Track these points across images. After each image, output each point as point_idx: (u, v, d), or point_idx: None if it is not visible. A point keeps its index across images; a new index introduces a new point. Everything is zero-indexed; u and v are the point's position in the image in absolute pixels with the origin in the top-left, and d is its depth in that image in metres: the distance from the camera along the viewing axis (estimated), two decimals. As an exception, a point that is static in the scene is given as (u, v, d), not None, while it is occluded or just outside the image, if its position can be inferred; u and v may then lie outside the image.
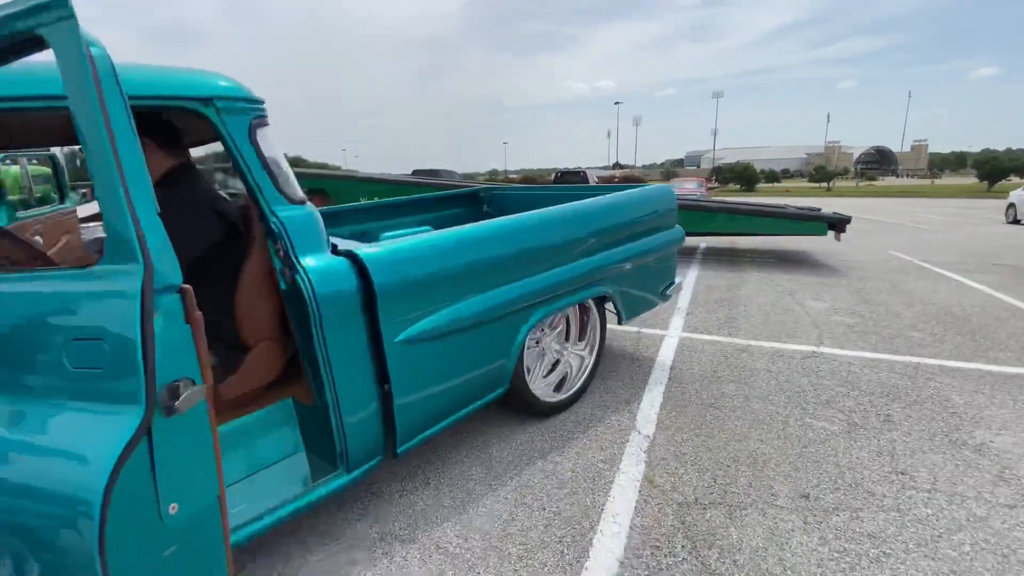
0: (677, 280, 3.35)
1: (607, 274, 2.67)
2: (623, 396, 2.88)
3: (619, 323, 2.96)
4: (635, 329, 4.07)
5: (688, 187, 18.86)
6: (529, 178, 44.92)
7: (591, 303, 2.78)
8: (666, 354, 3.51)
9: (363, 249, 1.75)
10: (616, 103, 75.51)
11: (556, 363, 2.85)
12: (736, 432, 2.47)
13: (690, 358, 3.43)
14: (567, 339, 2.86)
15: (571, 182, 22.25)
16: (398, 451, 1.90)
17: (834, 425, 2.52)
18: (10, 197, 11.25)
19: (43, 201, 11.00)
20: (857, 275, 6.01)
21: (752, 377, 3.10)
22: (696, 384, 3.02)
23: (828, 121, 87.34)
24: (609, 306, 2.86)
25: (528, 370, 2.65)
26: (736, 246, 8.65)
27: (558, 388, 2.77)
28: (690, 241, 9.11)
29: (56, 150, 13.09)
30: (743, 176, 41.39)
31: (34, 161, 15.38)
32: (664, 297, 3.23)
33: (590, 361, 2.88)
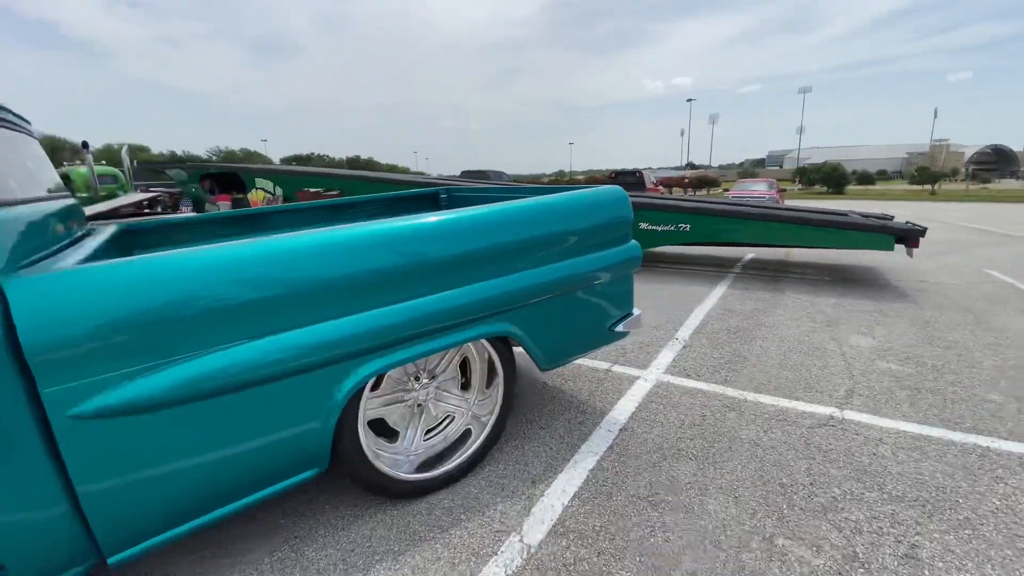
0: (636, 312, 2.56)
1: (510, 306, 1.97)
2: (533, 471, 2.16)
3: (540, 370, 2.24)
4: (605, 365, 3.28)
5: (756, 189, 17.13)
6: (593, 179, 43.89)
7: (487, 345, 2.09)
8: (626, 407, 2.71)
9: (25, 275, 1.21)
10: (689, 100, 71.74)
11: (447, 420, 2.20)
12: (661, 552, 1.69)
13: (655, 415, 2.61)
14: (467, 387, 2.20)
15: (625, 183, 21.12)
16: (108, 561, 1.35)
17: (820, 557, 1.66)
18: (79, 194, 12.02)
19: (107, 199, 11.72)
20: (931, 302, 4.75)
21: (727, 454, 2.25)
22: (644, 459, 2.23)
23: (935, 117, 77.93)
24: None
25: (388, 434, 2.02)
26: (789, 259, 7.41)
27: (442, 457, 2.11)
28: (732, 252, 7.96)
29: (124, 153, 13.96)
30: (831, 177, 37.58)
31: (103, 162, 16.72)
32: (613, 336, 2.46)
33: (489, 421, 2.19)
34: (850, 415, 2.58)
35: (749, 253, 7.89)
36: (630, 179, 22.04)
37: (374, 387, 1.93)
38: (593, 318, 2.35)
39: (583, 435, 2.43)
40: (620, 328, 2.46)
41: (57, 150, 46.98)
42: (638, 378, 3.08)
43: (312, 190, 9.96)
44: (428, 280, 1.74)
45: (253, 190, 10.18)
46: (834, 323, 4.12)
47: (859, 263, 6.95)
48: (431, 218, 1.80)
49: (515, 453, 2.29)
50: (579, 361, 3.35)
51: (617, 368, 3.24)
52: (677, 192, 36.54)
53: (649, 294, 5.21)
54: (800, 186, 42.01)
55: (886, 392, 2.83)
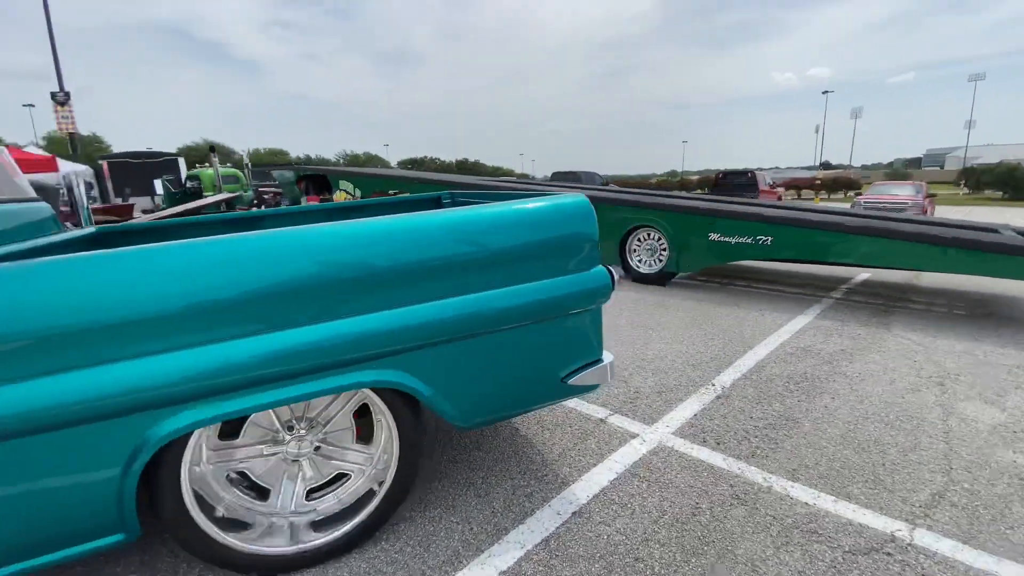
0: (607, 359, 1.96)
1: (398, 349, 1.54)
2: (432, 559, 1.69)
3: (456, 429, 1.78)
4: (602, 413, 2.67)
5: (897, 194, 14.43)
6: (708, 180, 40.98)
7: (372, 395, 1.67)
8: (598, 478, 2.12)
9: None
10: (825, 93, 63.55)
11: (345, 479, 1.82)
12: None
13: (631, 498, 1.99)
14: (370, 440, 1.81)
15: (735, 185, 19.15)
16: None
17: None
18: (206, 193, 13.64)
19: (230, 203, 13.14)
20: (1125, 360, 3.34)
21: (704, 576, 1.59)
22: (582, 566, 1.65)
23: None
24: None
25: (255, 494, 1.70)
26: (916, 283, 5.91)
27: (327, 525, 1.74)
28: (840, 270, 6.49)
29: (245, 156, 15.64)
30: (1007, 179, 30.81)
31: (228, 164, 18.93)
32: (568, 391, 1.89)
33: (382, 488, 1.76)
34: (924, 539, 1.73)
35: (863, 273, 6.46)
36: (740, 180, 19.98)
37: (232, 435, 1.63)
38: (534, 367, 1.82)
39: (522, 514, 1.90)
40: (579, 380, 1.89)
41: (219, 152, 55.70)
42: (635, 436, 2.44)
43: (392, 191, 10.26)
44: (261, 315, 1.38)
45: (337, 191, 10.75)
46: (948, 380, 3.03)
47: (1018, 293, 5.30)
48: (262, 234, 1.43)
49: (426, 527, 1.84)
50: (571, 404, 2.79)
51: (615, 419, 2.62)
52: (807, 196, 32.53)
53: (705, 319, 4.37)
54: (967, 190, 34.94)
55: (999, 506, 1.89)
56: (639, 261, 6.03)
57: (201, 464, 1.60)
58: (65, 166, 17.72)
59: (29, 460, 1.23)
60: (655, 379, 3.12)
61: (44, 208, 2.50)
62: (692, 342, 3.80)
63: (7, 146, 15.17)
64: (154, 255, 1.32)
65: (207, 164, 16.31)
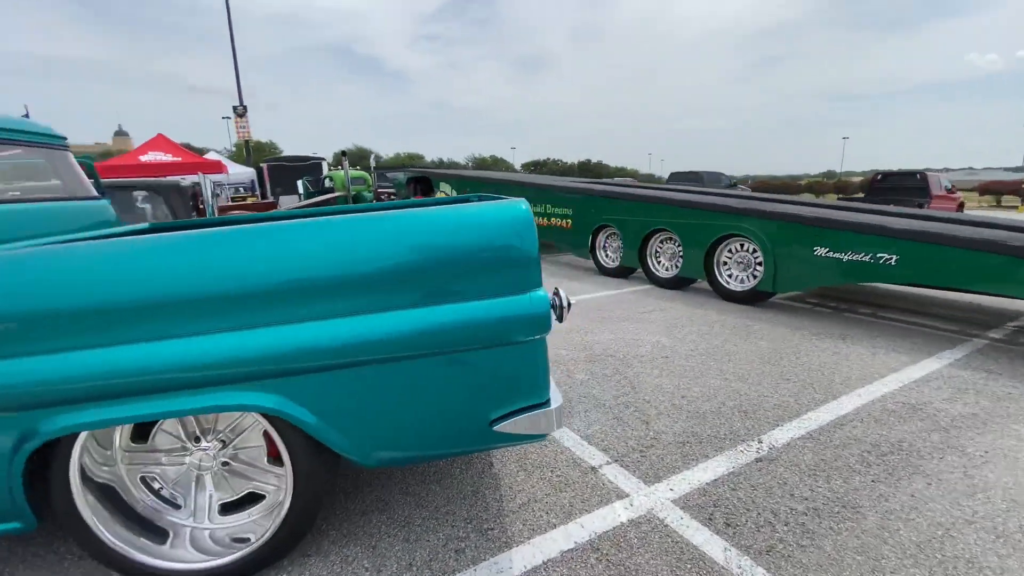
0: (557, 401, 1.58)
1: (273, 371, 1.38)
2: (314, 610, 1.49)
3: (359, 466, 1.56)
4: (598, 460, 2.24)
5: None
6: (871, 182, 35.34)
7: (259, 418, 1.51)
8: (548, 547, 1.73)
9: None
10: (1046, 73, 50.43)
11: (261, 498, 1.71)
12: None
13: (578, 578, 1.59)
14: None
15: (897, 189, 15.91)
16: None
17: None
18: (337, 194, 15.11)
19: (357, 199, 14.58)
20: None
21: None
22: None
23: None
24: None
25: (167, 503, 1.66)
26: None
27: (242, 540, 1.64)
28: (1015, 305, 4.79)
29: (372, 160, 16.99)
30: None
31: (357, 167, 20.72)
32: (494, 438, 1.56)
33: (279, 512, 1.60)
34: None
35: (1053, 307, 4.85)
36: (907, 183, 16.53)
37: (142, 438, 1.61)
38: (448, 406, 1.52)
39: (438, 574, 1.62)
40: (513, 427, 1.54)
41: (364, 157, 62.36)
42: (624, 497, 1.99)
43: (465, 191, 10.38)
44: (111, 328, 1.30)
45: (438, 192, 11.16)
46: None
47: None
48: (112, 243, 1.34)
49: (333, 567, 1.65)
50: (568, 443, 2.40)
51: (611, 471, 2.18)
52: (1009, 203, 26.35)
53: (791, 353, 3.57)
54: None
55: None
56: (728, 276, 5.22)
57: (117, 464, 1.61)
58: (235, 168, 21.04)
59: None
60: (685, 424, 2.57)
61: (103, 205, 2.81)
62: (758, 381, 3.10)
63: (184, 146, 18.43)
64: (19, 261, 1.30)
65: (340, 167, 18.18)
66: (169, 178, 6.72)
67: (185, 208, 6.34)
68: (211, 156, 19.92)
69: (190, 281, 1.31)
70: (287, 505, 1.57)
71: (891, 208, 5.80)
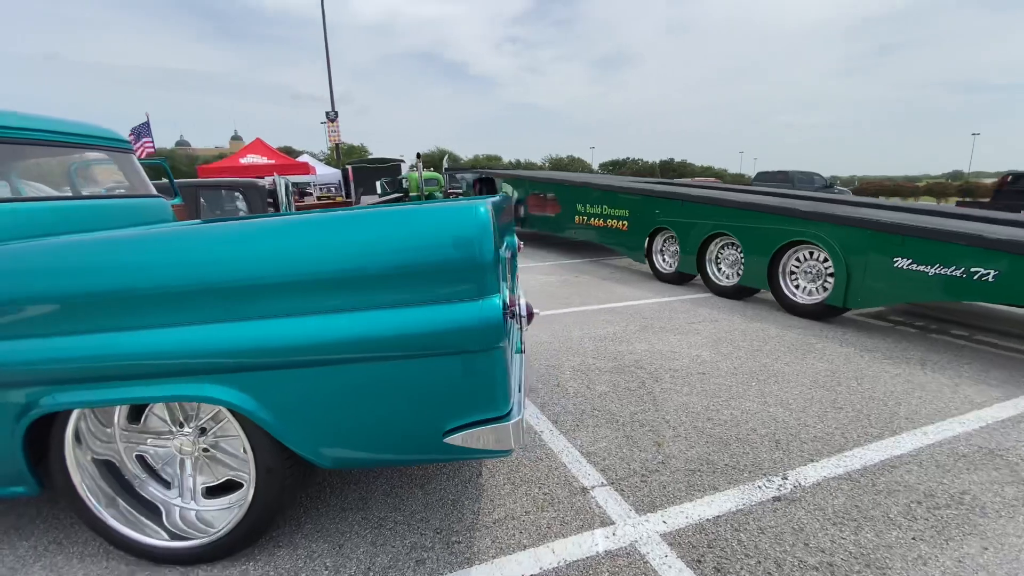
0: (513, 418, 1.48)
1: (229, 365, 1.42)
2: (265, 603, 1.52)
3: (316, 467, 1.56)
4: (592, 481, 2.10)
5: None
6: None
7: (227, 412, 1.56)
8: (511, 570, 1.64)
9: None
10: None
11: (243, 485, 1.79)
12: None
13: (533, 607, 1.48)
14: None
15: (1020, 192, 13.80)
16: None
17: None
18: (412, 194, 15.82)
19: (428, 199, 15.12)
20: None
21: None
22: None
23: None
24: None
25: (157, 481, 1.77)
26: None
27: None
28: None
29: (445, 161, 17.53)
30: None
31: (430, 168, 21.31)
32: (447, 450, 1.49)
33: (244, 504, 1.64)
34: None
35: None
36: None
37: (136, 420, 1.73)
38: (398, 413, 1.47)
39: (393, 583, 1.58)
40: (466, 440, 1.47)
41: (443, 158, 65.02)
42: (608, 525, 1.84)
43: (546, 194, 10.28)
44: (90, 314, 1.40)
45: (501, 193, 11.24)
46: None
47: None
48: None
49: (296, 562, 1.67)
50: (566, 459, 2.27)
51: (602, 494, 2.03)
52: None
53: (852, 378, 3.14)
54: None
55: None
56: (795, 287, 4.72)
57: (116, 441, 1.75)
58: (323, 169, 22.62)
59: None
60: (703, 450, 2.34)
61: (160, 202, 3.09)
62: (803, 408, 2.76)
63: (287, 151, 20.04)
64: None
65: (413, 168, 18.95)
66: (249, 179, 7.34)
67: (262, 204, 6.90)
68: (303, 159, 21.61)
69: (147, 276, 1.38)
70: (250, 498, 1.61)
71: (998, 214, 4.94)
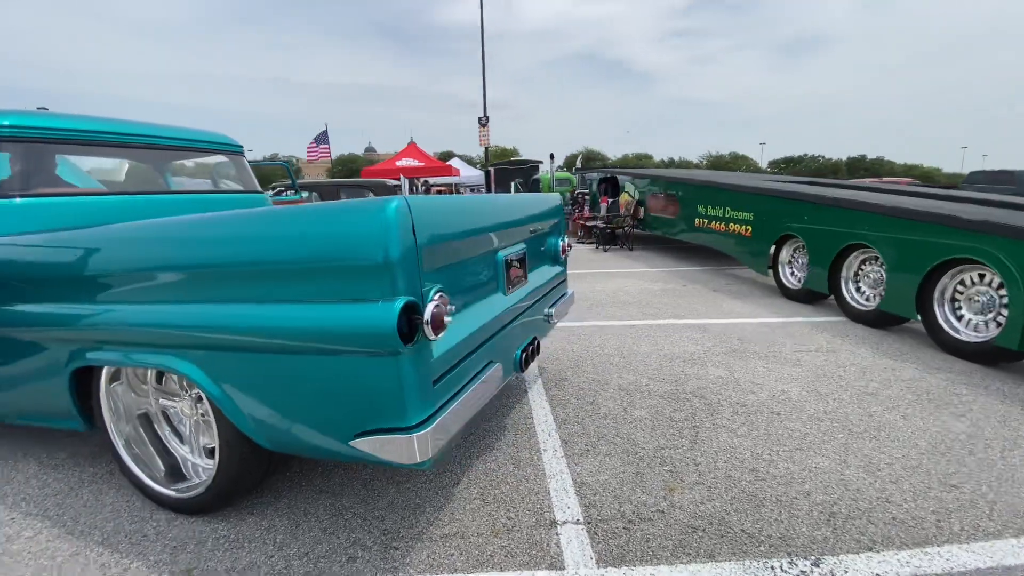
0: (406, 434, 1.38)
1: (183, 342, 1.60)
2: (201, 559, 1.66)
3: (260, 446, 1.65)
4: (570, 515, 1.86)
5: None
6: None
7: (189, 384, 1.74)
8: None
9: None
10: None
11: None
12: None
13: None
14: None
15: None
16: None
17: None
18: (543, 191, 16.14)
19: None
20: None
21: None
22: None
23: None
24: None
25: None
26: None
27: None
28: None
29: (578, 160, 17.59)
30: None
31: (561, 167, 21.55)
32: (351, 453, 1.46)
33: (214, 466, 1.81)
34: None
35: None
36: None
37: (159, 380, 2.04)
38: (311, 410, 1.48)
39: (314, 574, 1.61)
40: (369, 446, 1.42)
41: (591, 159, 64.42)
42: (560, 570, 1.62)
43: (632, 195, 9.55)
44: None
45: (623, 193, 10.73)
46: None
47: None
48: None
49: (253, 531, 1.80)
50: (553, 484, 2.06)
51: (570, 533, 1.79)
52: None
53: (994, 448, 2.30)
54: None
55: None
56: (955, 318, 3.64)
57: (148, 397, 2.08)
58: (469, 171, 24.12)
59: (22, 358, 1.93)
60: (724, 505, 1.92)
61: (259, 197, 3.59)
62: (897, 477, 2.10)
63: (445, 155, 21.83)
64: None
65: (562, 168, 19.17)
66: (379, 179, 8.14)
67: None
68: (453, 162, 23.38)
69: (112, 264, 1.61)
70: (215, 464, 1.78)
71: None
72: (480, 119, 28.01)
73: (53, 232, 2.01)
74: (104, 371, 1.91)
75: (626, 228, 10.05)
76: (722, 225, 6.65)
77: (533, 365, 3.47)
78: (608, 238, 10.27)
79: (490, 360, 1.90)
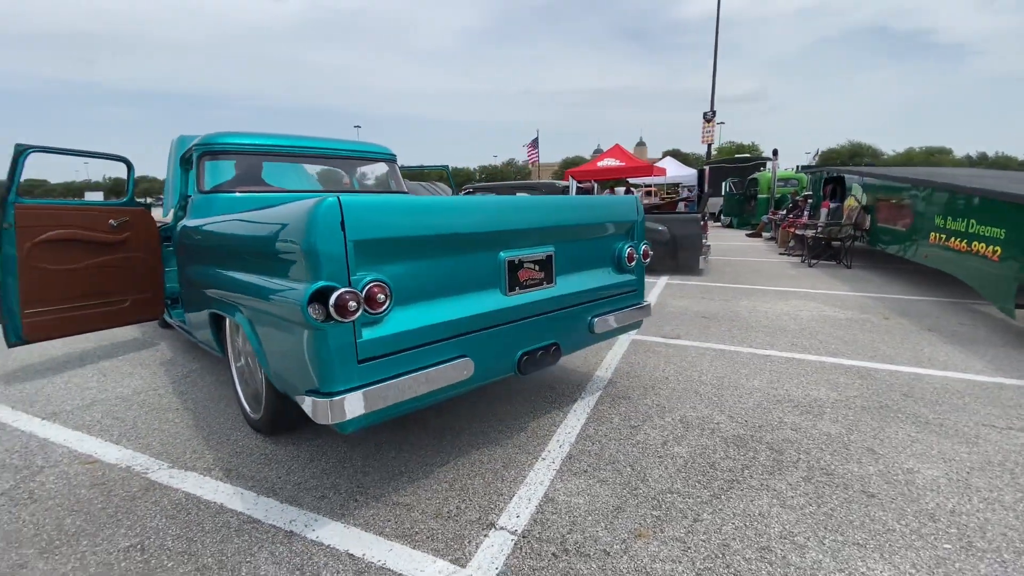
0: (329, 398, 1.61)
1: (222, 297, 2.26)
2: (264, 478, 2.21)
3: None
4: (511, 524, 1.83)
5: None
6: None
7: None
8: (336, 539, 1.75)
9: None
10: None
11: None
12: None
13: None
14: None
15: None
16: None
17: None
18: (761, 196, 14.52)
19: (780, 202, 13.53)
20: None
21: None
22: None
23: None
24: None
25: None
26: None
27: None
28: None
29: (812, 158, 15.14)
30: None
31: (793, 166, 18.69)
32: (297, 405, 1.76)
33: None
34: None
35: None
36: None
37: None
38: (290, 363, 1.86)
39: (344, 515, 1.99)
40: (307, 404, 1.72)
41: (856, 155, 52.53)
42: (457, 568, 1.65)
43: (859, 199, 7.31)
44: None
45: (850, 197, 8.71)
46: None
47: None
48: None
49: (330, 440, 2.31)
50: (520, 491, 2.03)
51: (499, 538, 1.77)
52: None
53: None
54: None
55: None
56: None
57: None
58: (678, 171, 22.68)
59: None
60: (687, 574, 1.62)
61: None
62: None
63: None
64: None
65: (763, 168, 16.59)
66: (547, 181, 8.48)
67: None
68: (664, 162, 22.37)
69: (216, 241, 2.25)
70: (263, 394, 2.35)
71: None
72: (705, 114, 26.11)
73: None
74: (228, 318, 2.68)
75: (845, 240, 8.19)
76: (962, 243, 4.91)
77: (579, 370, 3.31)
78: (820, 250, 8.54)
79: (462, 353, 1.99)
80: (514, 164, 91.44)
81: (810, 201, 11.17)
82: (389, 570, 1.63)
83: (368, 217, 1.67)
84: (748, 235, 14.30)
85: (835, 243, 8.39)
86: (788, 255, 9.75)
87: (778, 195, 14.32)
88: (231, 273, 2.20)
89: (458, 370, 1.94)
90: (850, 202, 8.51)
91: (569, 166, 70.18)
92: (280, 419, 2.38)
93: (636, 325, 2.95)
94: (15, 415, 2.90)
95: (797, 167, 15.93)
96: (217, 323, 2.70)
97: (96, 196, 48.65)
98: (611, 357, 3.75)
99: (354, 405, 1.64)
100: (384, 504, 1.98)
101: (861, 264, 8.31)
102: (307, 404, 1.71)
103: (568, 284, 2.49)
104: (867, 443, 2.45)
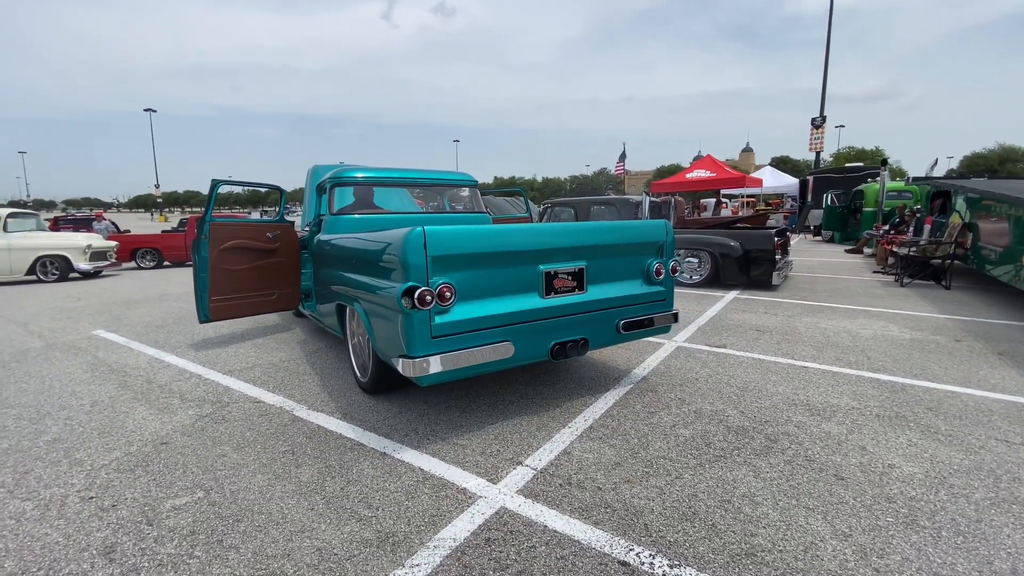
0: (414, 359, 2.42)
1: (347, 294, 3.20)
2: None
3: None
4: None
5: None
6: None
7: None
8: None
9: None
10: None
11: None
12: (246, 449, 2.72)
13: None
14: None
15: None
16: None
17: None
18: (867, 208, 13.77)
19: (888, 217, 12.73)
20: None
21: None
22: (337, 459, 2.61)
23: None
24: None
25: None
26: None
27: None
28: None
29: (929, 170, 13.95)
30: None
31: (898, 178, 17.21)
32: (395, 366, 2.59)
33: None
34: None
35: None
36: None
37: (369, 320, 3.72)
38: (389, 336, 2.73)
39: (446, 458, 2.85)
40: (399, 364, 2.57)
41: (1008, 161, 45.49)
42: (468, 501, 2.37)
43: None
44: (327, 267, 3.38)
45: (955, 213, 8.11)
46: None
47: None
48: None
49: (415, 393, 3.20)
50: (536, 456, 2.70)
51: (522, 471, 2.46)
52: None
53: None
54: None
55: None
56: None
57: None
58: (776, 180, 21.50)
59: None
60: (655, 506, 2.19)
61: (483, 216, 5.16)
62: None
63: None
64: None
65: (870, 179, 15.27)
66: (623, 196, 8.95)
67: (621, 217, 8.43)
68: (763, 172, 21.38)
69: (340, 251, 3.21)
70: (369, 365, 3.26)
71: None
72: (814, 120, 24.54)
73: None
74: (347, 309, 3.66)
75: (944, 259, 7.70)
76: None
77: (614, 362, 3.84)
78: (916, 269, 8.07)
79: (505, 339, 2.72)
80: (605, 173, 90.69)
81: (917, 216, 10.40)
82: (445, 479, 2.40)
83: (442, 241, 2.47)
84: (848, 251, 13.43)
85: (934, 262, 7.91)
86: (883, 273, 9.24)
87: (887, 208, 13.30)
88: (352, 275, 3.14)
89: (501, 351, 2.67)
90: (955, 219, 7.95)
91: (664, 174, 68.14)
92: (381, 382, 3.28)
93: (664, 329, 3.47)
94: (206, 370, 4.14)
95: (908, 179, 14.54)
96: (340, 312, 3.69)
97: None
98: (652, 359, 4.25)
99: (429, 365, 2.44)
100: (447, 443, 2.76)
101: (965, 285, 7.74)
102: (400, 364, 2.54)
103: (598, 291, 3.11)
104: (862, 442, 2.77)
